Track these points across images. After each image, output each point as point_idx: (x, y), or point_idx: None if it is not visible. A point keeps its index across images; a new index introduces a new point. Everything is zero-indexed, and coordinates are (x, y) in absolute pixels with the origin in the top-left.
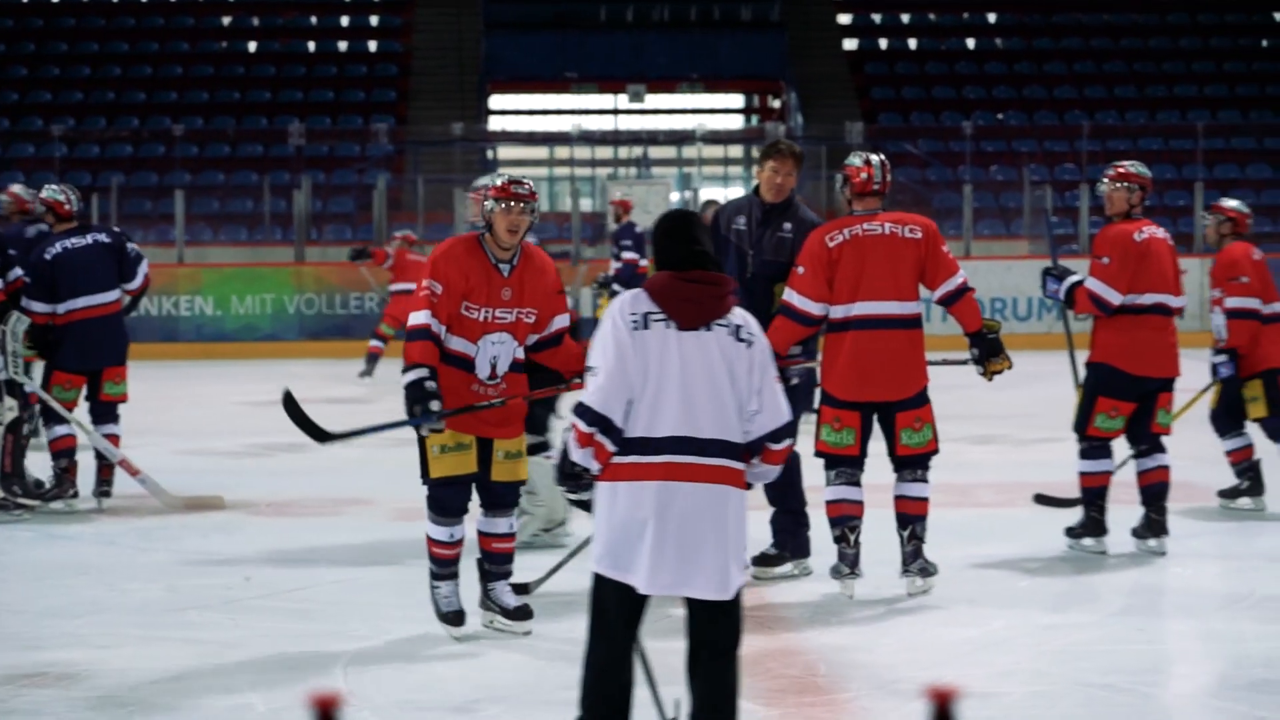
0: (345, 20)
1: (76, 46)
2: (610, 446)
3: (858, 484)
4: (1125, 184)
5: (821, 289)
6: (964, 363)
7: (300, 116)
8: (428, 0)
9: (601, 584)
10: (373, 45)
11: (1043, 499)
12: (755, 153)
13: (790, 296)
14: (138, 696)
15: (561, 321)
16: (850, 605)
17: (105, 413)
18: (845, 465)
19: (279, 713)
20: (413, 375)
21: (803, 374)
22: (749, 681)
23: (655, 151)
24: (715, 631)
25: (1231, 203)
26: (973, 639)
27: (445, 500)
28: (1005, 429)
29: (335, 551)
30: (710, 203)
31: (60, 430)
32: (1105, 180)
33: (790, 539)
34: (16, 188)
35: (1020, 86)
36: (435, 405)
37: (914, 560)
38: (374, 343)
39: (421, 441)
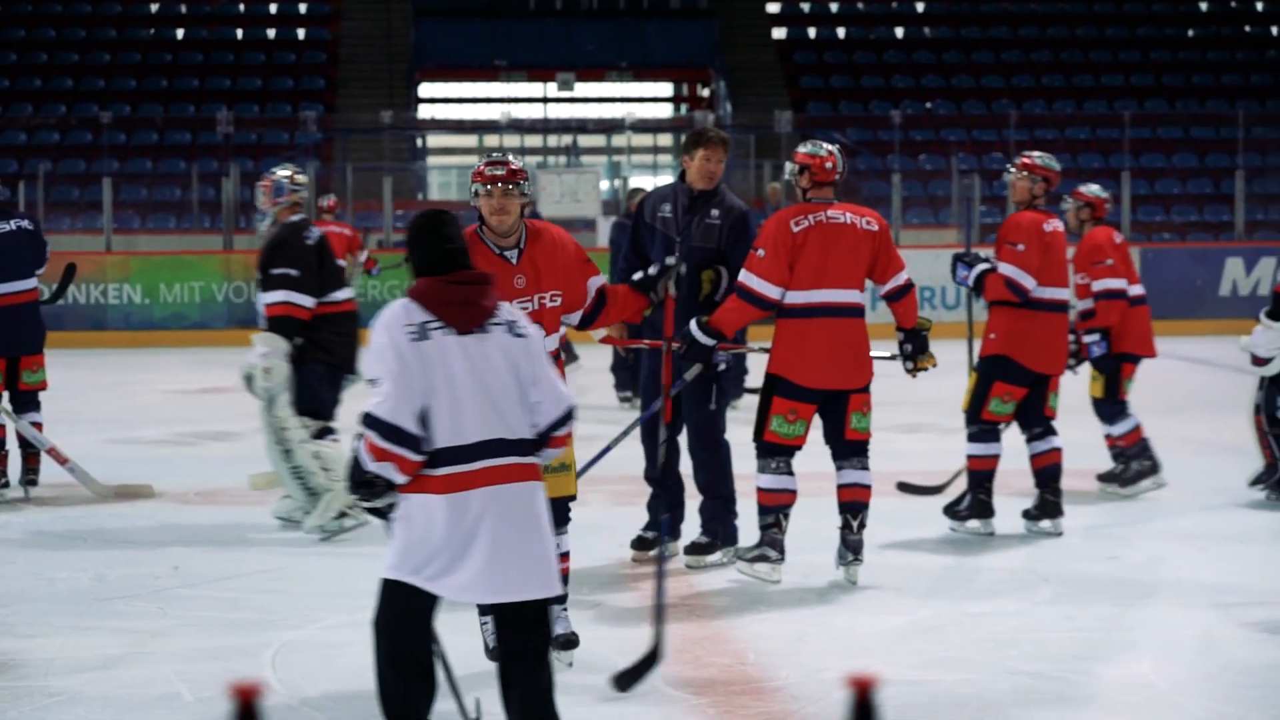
0: (273, 8)
1: (3, 33)
2: (412, 457)
3: (793, 472)
4: (1029, 174)
5: (783, 273)
6: (892, 357)
7: (228, 104)
8: None
9: (407, 593)
10: (301, 33)
11: (905, 487)
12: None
13: (748, 279)
14: (66, 686)
15: (598, 281)
16: (778, 594)
17: (26, 401)
18: (788, 454)
19: (207, 702)
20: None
21: (730, 360)
22: (679, 669)
23: (584, 140)
24: (533, 637)
25: (1091, 188)
26: (901, 627)
27: None
28: (933, 417)
29: (264, 541)
30: (637, 190)
31: None
32: (1011, 169)
33: (720, 527)
34: None
35: (948, 76)
36: None
37: (859, 549)
38: None
39: None
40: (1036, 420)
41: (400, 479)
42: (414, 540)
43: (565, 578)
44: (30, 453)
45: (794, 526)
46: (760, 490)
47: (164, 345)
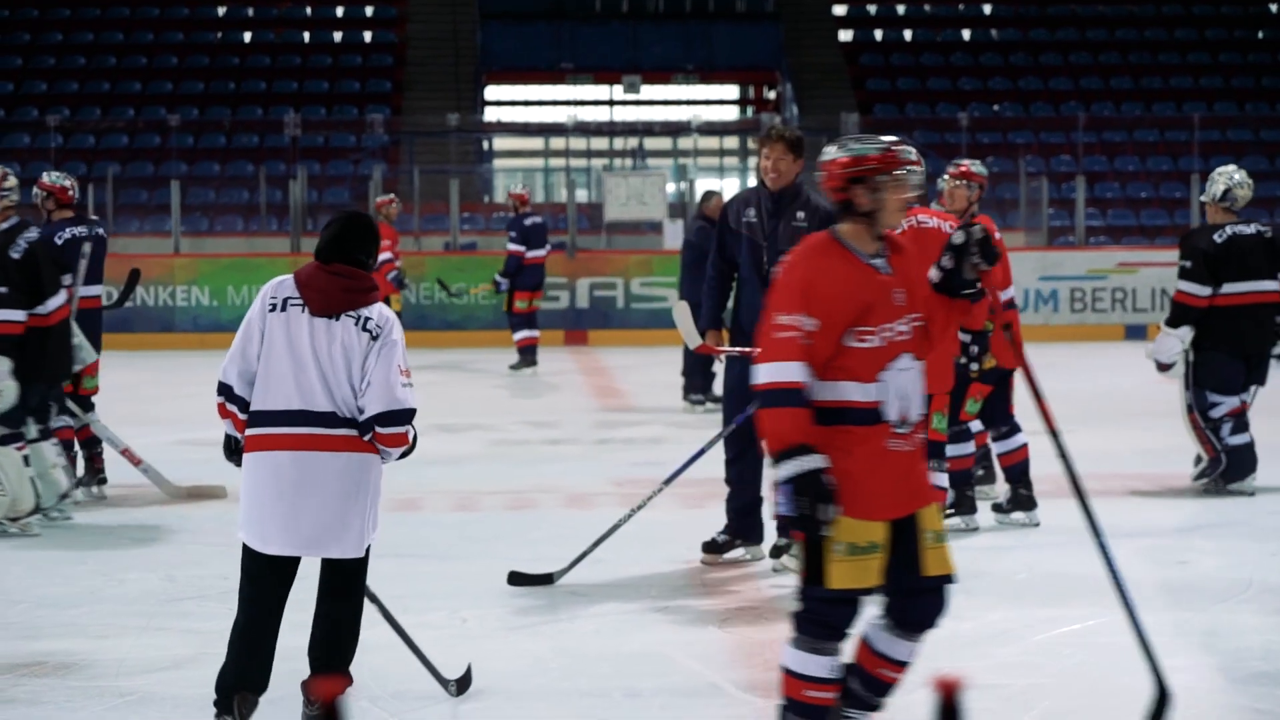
0: (340, 11)
1: (71, 36)
2: (238, 414)
3: None
4: (966, 182)
5: None
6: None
7: (296, 107)
8: None
9: (245, 551)
10: (368, 36)
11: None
12: (751, 144)
13: None
14: (136, 686)
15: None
16: None
17: (85, 405)
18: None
19: (275, 702)
20: (804, 463)
21: None
22: (747, 672)
23: (650, 142)
24: (346, 592)
25: (978, 165)
26: (968, 631)
27: (837, 619)
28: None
29: None
30: (711, 193)
31: (58, 422)
32: (947, 177)
33: (746, 525)
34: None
35: (1016, 78)
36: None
37: None
38: None
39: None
40: (1002, 418)
41: (236, 434)
42: (244, 498)
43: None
44: (95, 453)
45: None
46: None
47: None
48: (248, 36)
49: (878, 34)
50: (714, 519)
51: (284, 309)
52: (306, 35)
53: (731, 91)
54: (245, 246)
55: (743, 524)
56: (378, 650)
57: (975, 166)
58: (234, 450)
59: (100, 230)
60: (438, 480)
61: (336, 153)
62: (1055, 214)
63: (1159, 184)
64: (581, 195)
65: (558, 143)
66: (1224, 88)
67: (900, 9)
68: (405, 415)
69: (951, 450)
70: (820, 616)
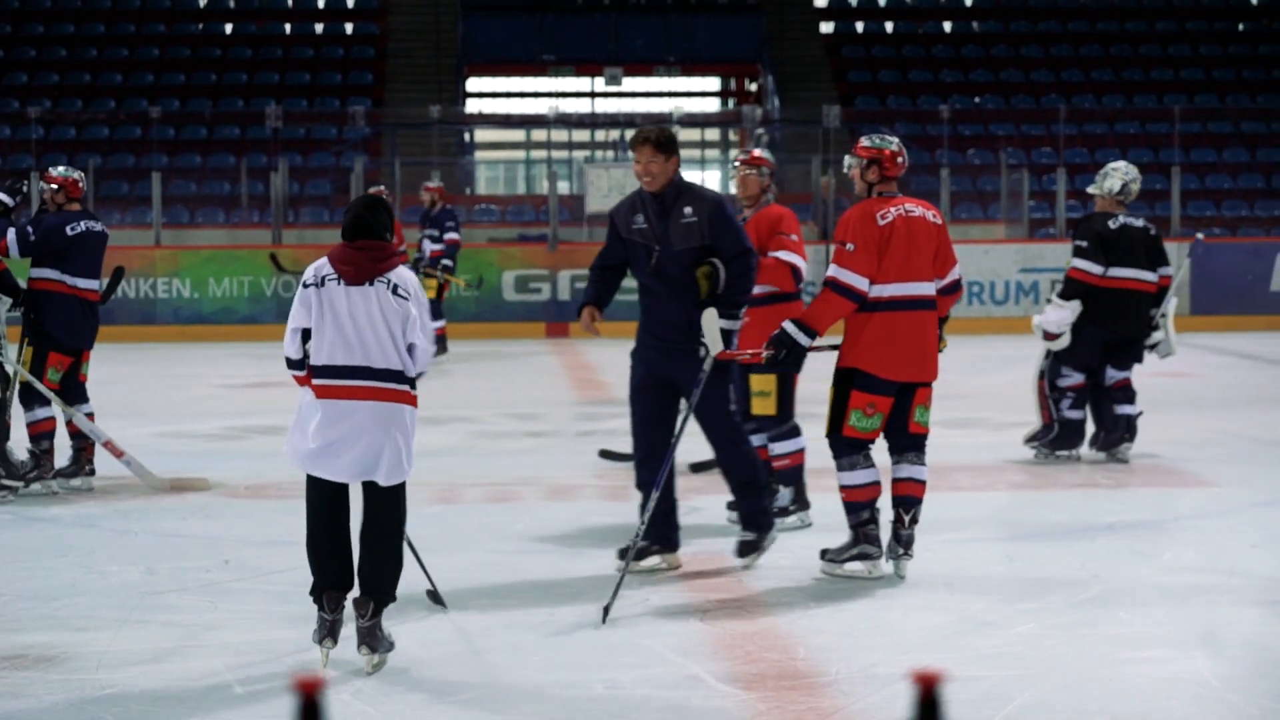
0: (321, 2)
1: (53, 28)
2: (301, 375)
3: (875, 464)
4: (757, 168)
5: (873, 266)
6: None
7: (277, 99)
8: None
9: (308, 479)
10: (349, 27)
11: (607, 454)
12: (733, 135)
13: (840, 274)
14: (117, 679)
15: None
16: (828, 590)
17: (80, 393)
18: (867, 448)
19: (258, 695)
20: None
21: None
22: (729, 665)
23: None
24: (384, 514)
25: (766, 153)
26: (951, 623)
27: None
28: (983, 412)
29: None
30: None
31: (42, 413)
32: (737, 164)
33: (766, 518)
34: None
35: (997, 70)
36: None
37: (910, 544)
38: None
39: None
40: (785, 416)
41: (310, 392)
42: (298, 429)
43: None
44: (84, 444)
45: (831, 522)
46: (847, 488)
47: (213, 339)
48: (229, 28)
49: (859, 26)
50: (696, 510)
51: (323, 285)
52: (288, 27)
53: (713, 84)
54: (227, 238)
55: (660, 531)
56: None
57: (764, 152)
58: None
59: (102, 226)
60: (419, 472)
61: (318, 145)
62: (1036, 206)
63: (1143, 175)
64: (563, 187)
65: (539, 134)
66: (1205, 80)
67: (881, 1)
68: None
69: (780, 448)
70: None
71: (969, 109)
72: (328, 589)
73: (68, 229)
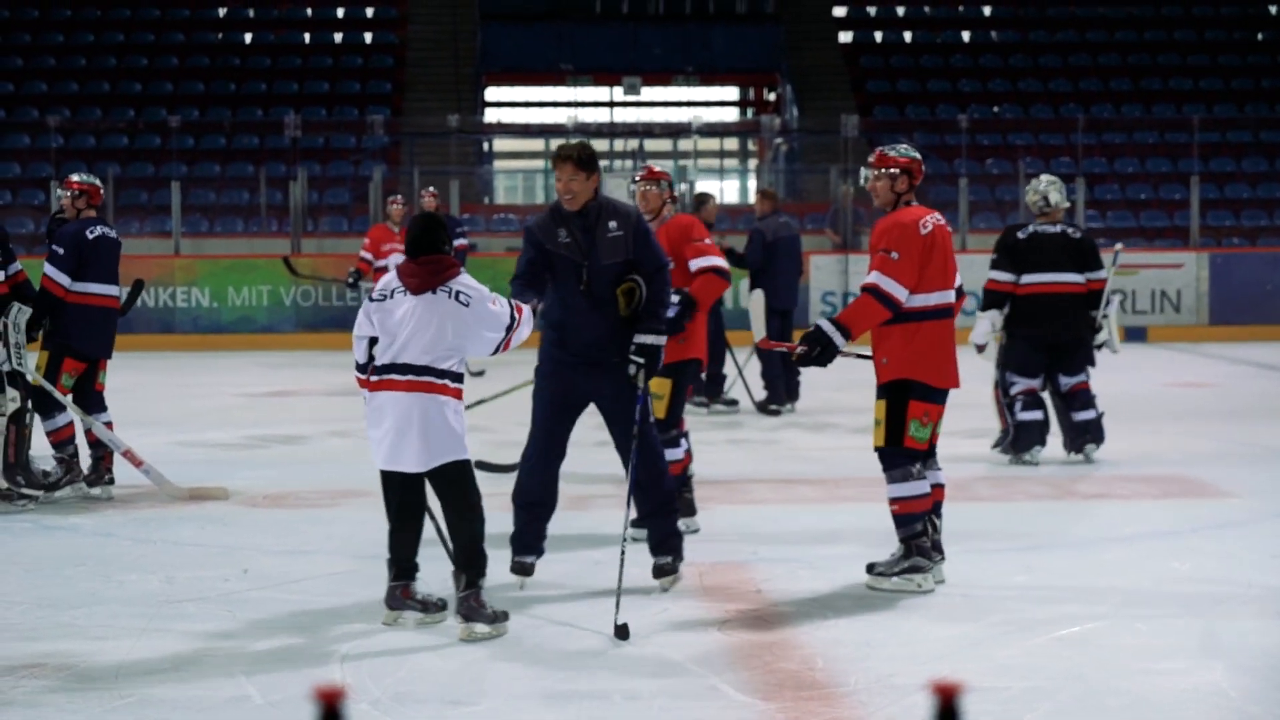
0: (340, 12)
1: (72, 37)
2: (361, 377)
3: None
4: (656, 182)
5: (915, 276)
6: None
7: (296, 108)
8: None
9: (381, 471)
10: (368, 37)
11: (483, 465)
12: (751, 145)
13: (883, 282)
14: (135, 688)
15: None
16: (846, 601)
17: (98, 402)
18: (923, 459)
19: (277, 705)
20: None
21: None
22: (747, 675)
23: (651, 144)
24: (449, 493)
25: (659, 166)
26: (969, 634)
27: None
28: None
29: (332, 543)
30: (706, 195)
31: (62, 419)
32: (637, 179)
33: (679, 541)
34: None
35: (1015, 79)
36: None
37: (941, 548)
38: None
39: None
40: (671, 423)
41: (367, 394)
42: (369, 425)
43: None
44: (103, 453)
45: (857, 533)
46: (902, 500)
47: (232, 348)
48: (248, 37)
49: (878, 36)
50: (712, 521)
51: (390, 297)
52: (307, 36)
53: (731, 93)
54: (245, 248)
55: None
56: (378, 655)
57: (658, 166)
58: None
59: (116, 233)
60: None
61: (337, 154)
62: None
63: (1158, 185)
64: None
65: (558, 144)
66: (1223, 89)
67: (900, 11)
68: (506, 327)
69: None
70: None
71: (987, 118)
72: (394, 565)
73: (87, 233)
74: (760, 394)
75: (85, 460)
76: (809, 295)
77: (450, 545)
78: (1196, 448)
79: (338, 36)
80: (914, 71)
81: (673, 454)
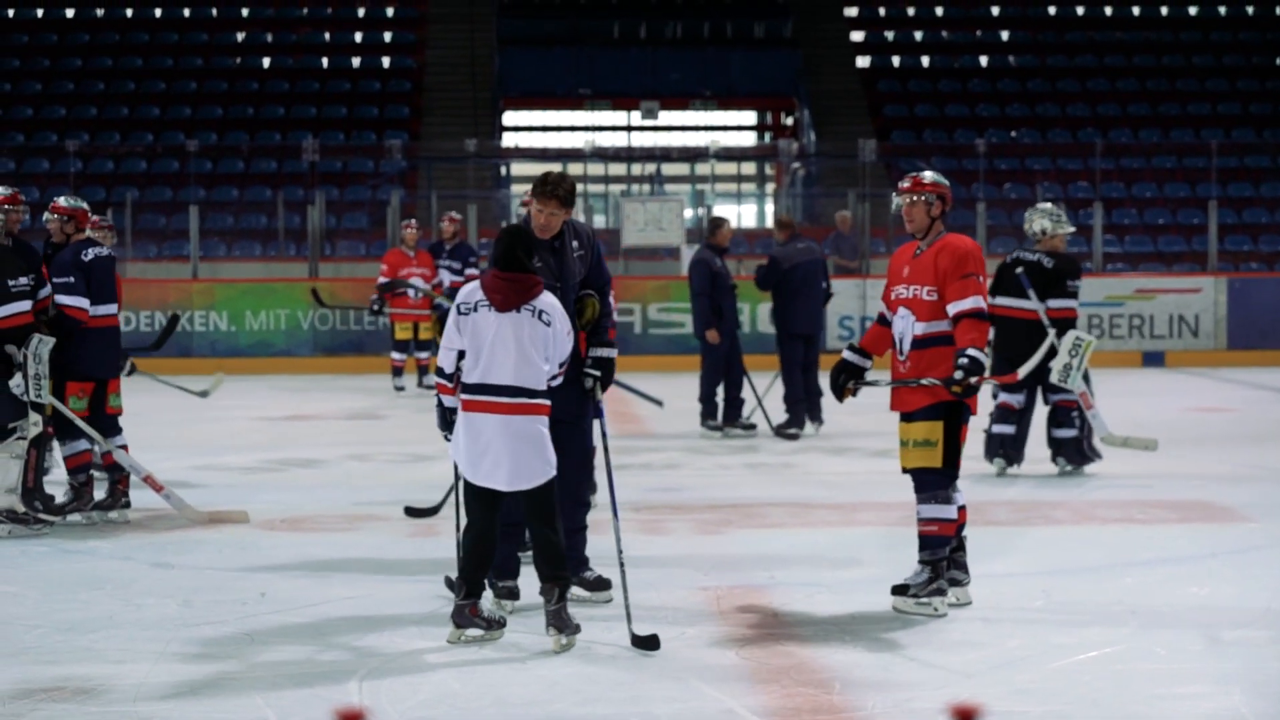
0: (359, 36)
1: (91, 62)
2: (449, 385)
3: None
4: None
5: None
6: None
7: (314, 132)
8: (441, 16)
9: (465, 482)
10: (386, 61)
11: (411, 511)
12: (769, 169)
13: (982, 303)
14: (154, 712)
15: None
16: (864, 624)
17: (111, 425)
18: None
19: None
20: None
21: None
22: (765, 698)
23: (668, 168)
24: (534, 510)
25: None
26: (988, 658)
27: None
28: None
29: (350, 566)
30: (721, 220)
31: (80, 445)
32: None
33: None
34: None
35: (1033, 104)
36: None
37: (965, 567)
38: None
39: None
40: None
41: (447, 400)
42: (456, 440)
43: None
44: (120, 477)
45: (881, 555)
46: (944, 522)
47: (249, 372)
48: (266, 62)
49: (895, 60)
50: (731, 544)
51: (476, 310)
52: (325, 61)
53: (749, 117)
54: (263, 271)
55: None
56: (396, 678)
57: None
58: (449, 422)
59: (109, 250)
60: (452, 504)
61: (354, 178)
62: (1072, 241)
63: (1176, 210)
64: (599, 221)
65: (575, 168)
66: (1242, 114)
67: (918, 35)
68: (564, 360)
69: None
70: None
71: (1005, 143)
72: (500, 579)
73: (83, 256)
74: (780, 417)
75: (101, 486)
76: (826, 320)
77: (540, 561)
78: (1215, 472)
79: (356, 61)
80: (931, 96)
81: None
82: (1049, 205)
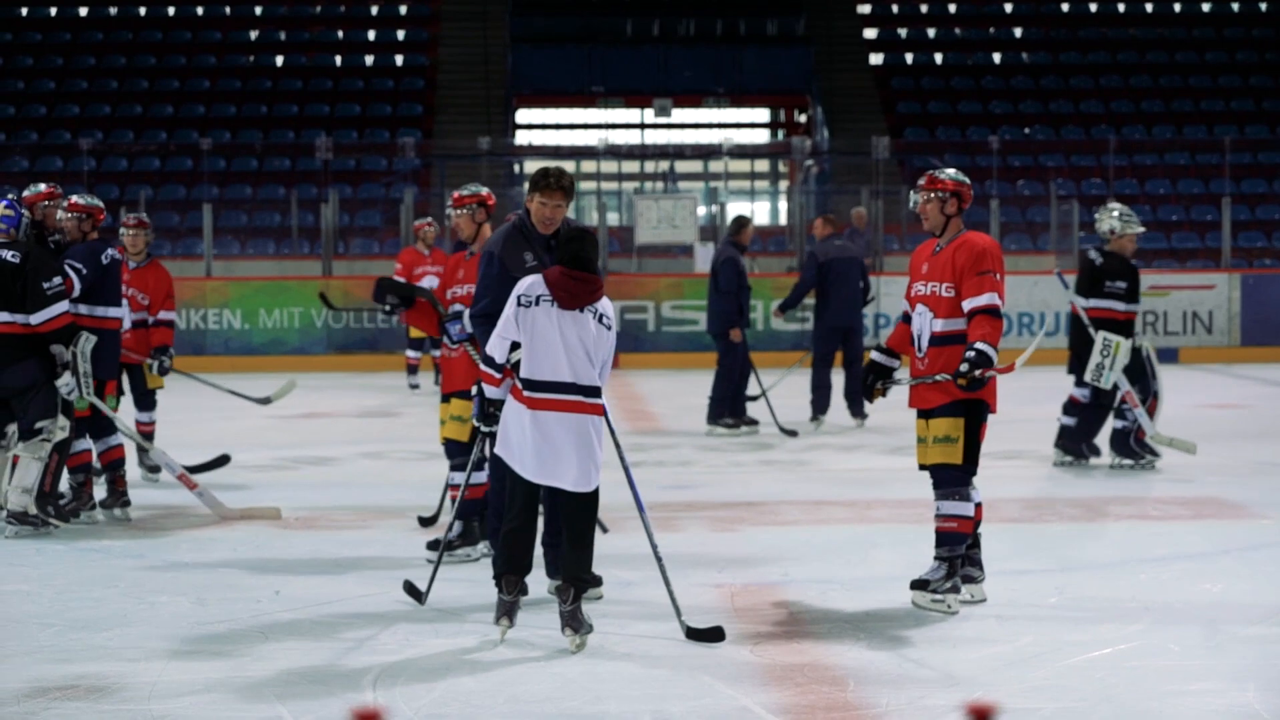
0: (372, 35)
1: (104, 60)
2: (495, 375)
3: None
4: (470, 207)
5: None
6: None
7: (327, 130)
8: (454, 14)
9: (510, 473)
10: (399, 59)
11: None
12: (782, 167)
13: (998, 300)
14: (168, 709)
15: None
16: (877, 621)
17: (107, 425)
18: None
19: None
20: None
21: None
22: (779, 696)
23: (682, 166)
24: (578, 512)
25: (469, 189)
26: (1001, 655)
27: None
28: (1033, 444)
29: (364, 564)
30: (744, 219)
31: (79, 445)
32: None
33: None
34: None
35: (1047, 101)
36: None
37: (980, 564)
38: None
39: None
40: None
41: (491, 391)
42: (509, 435)
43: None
44: (117, 476)
45: (892, 554)
46: (962, 519)
47: (263, 370)
48: (280, 60)
49: (908, 57)
50: (744, 542)
51: (537, 304)
52: (338, 59)
53: (762, 115)
54: (277, 270)
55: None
56: (410, 676)
57: (468, 190)
58: (489, 414)
59: (118, 254)
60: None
61: (368, 176)
62: (1086, 237)
63: (1190, 207)
64: (612, 218)
65: (589, 166)
66: (1255, 110)
67: (931, 32)
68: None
69: (471, 478)
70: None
71: (1018, 140)
72: (508, 573)
73: (102, 258)
74: (784, 415)
75: (99, 487)
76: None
77: (568, 561)
78: (1229, 469)
79: (369, 59)
80: (945, 93)
81: (478, 476)
82: (1118, 205)
